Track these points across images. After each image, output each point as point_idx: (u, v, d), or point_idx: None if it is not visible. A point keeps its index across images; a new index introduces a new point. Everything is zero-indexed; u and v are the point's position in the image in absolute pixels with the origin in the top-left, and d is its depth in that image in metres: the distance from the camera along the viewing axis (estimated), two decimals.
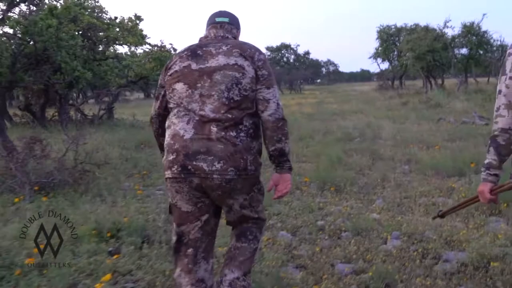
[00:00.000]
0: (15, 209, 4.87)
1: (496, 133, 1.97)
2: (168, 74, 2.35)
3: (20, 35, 10.50)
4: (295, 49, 73.77)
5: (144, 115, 18.32)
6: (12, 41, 10.90)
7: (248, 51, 2.30)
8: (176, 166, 2.21)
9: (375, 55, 40.35)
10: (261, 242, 2.56)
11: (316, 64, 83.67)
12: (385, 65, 43.75)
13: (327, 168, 6.69)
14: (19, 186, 5.34)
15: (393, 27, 38.61)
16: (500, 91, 1.98)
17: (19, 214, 4.67)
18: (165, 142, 2.31)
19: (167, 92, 2.37)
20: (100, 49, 13.35)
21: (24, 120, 14.81)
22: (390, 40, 38.33)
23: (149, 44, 16.05)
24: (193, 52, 2.33)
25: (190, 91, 2.26)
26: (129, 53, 16.50)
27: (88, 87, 16.16)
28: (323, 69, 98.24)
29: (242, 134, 2.23)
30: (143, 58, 14.91)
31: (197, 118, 2.23)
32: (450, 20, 28.22)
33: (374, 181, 6.10)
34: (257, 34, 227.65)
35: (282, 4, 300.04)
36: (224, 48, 2.30)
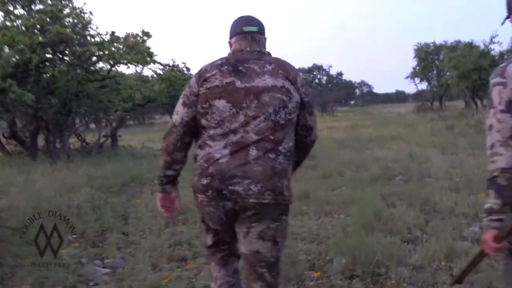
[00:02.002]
0: None
1: (495, 174, 1.79)
2: (206, 87, 2.18)
3: None
4: (327, 70, 72.54)
5: (150, 139, 16.87)
6: None
7: (291, 74, 2.24)
8: (211, 191, 2.13)
9: (412, 75, 37.92)
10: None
11: (350, 85, 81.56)
12: (423, 85, 41.11)
13: (358, 231, 4.59)
14: None
15: (431, 44, 36.24)
16: (491, 127, 1.83)
17: None
18: (197, 162, 2.21)
19: (201, 107, 2.19)
20: (93, 68, 11.52)
21: (19, 148, 13.19)
22: (428, 58, 35.88)
23: (160, 63, 14.34)
24: (234, 67, 2.20)
25: (234, 110, 2.14)
26: (132, 72, 14.80)
27: (87, 113, 14.34)
28: (357, 91, 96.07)
29: (281, 156, 2.16)
30: (154, 81, 13.09)
31: (234, 141, 2.13)
32: (497, 35, 25.70)
33: (434, 255, 3.92)
34: (288, 54, 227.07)
35: (313, 23, 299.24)
36: (269, 67, 2.21)
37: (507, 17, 1.98)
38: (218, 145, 2.15)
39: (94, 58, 11.27)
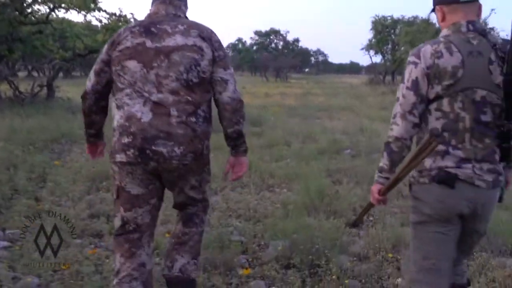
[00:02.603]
0: None
1: (390, 139, 2.02)
2: (118, 49, 2.20)
3: None
4: (284, 35, 71.53)
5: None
6: None
7: (205, 32, 2.25)
8: (132, 150, 2.13)
9: (368, 47, 37.96)
10: (206, 223, 2.64)
11: (305, 53, 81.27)
12: (377, 58, 41.26)
13: (299, 211, 4.18)
14: None
15: (389, 18, 36.23)
16: (398, 99, 2.02)
17: None
18: (117, 123, 2.18)
19: (114, 69, 2.21)
20: (29, 11, 10.38)
21: None
22: (385, 31, 35.86)
23: (105, 11, 13.29)
24: (146, 28, 2.20)
25: (145, 70, 2.15)
26: (81, 21, 13.67)
27: (20, 59, 13.09)
28: (312, 59, 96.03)
29: (200, 119, 2.20)
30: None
31: (154, 100, 2.14)
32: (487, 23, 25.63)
33: (380, 244, 3.55)
34: (245, 17, 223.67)
35: None
36: (181, 27, 2.22)
37: (432, 10, 2.13)
38: (137, 103, 2.16)
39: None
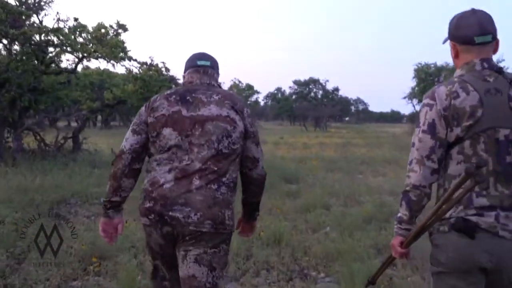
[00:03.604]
0: None
1: (407, 188, 1.94)
2: (154, 116, 2.25)
3: None
4: (323, 84, 71.05)
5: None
6: None
7: (238, 105, 2.28)
8: (153, 215, 2.17)
9: (411, 95, 36.57)
10: None
11: (345, 102, 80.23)
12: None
13: None
14: None
15: (432, 65, 34.93)
16: (413, 144, 1.96)
17: None
18: (143, 187, 2.24)
19: (150, 136, 2.26)
20: (48, 59, 9.85)
21: None
22: (428, 79, 34.52)
23: (135, 60, 12.80)
24: (182, 97, 2.27)
25: (179, 138, 2.20)
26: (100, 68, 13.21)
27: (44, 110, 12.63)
28: (352, 107, 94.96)
29: (223, 187, 2.19)
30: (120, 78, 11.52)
31: (180, 168, 2.17)
32: (504, 60, 24.40)
33: None
34: (284, 66, 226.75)
35: (312, 36, 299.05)
36: (215, 97, 2.26)
37: (448, 38, 2.03)
38: (163, 170, 2.20)
39: (51, 49, 9.61)
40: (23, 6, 9.03)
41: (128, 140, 2.28)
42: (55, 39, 9.38)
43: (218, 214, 2.15)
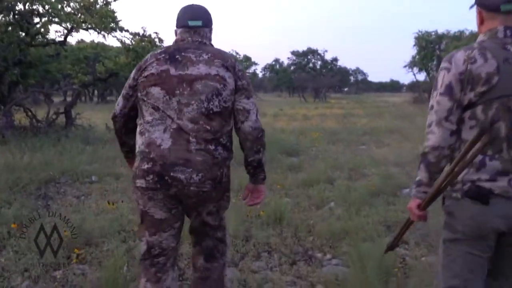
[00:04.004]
0: None
1: (426, 150, 1.94)
2: (143, 75, 2.25)
3: None
4: (322, 54, 70.16)
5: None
6: None
7: (229, 61, 2.26)
8: (152, 176, 2.17)
9: (411, 64, 35.97)
10: (229, 253, 2.63)
11: (344, 72, 79.28)
12: (421, 76, 39.15)
13: None
14: None
15: (433, 33, 34.23)
16: (432, 107, 1.95)
17: None
18: (138, 149, 2.25)
19: (139, 94, 2.27)
20: (34, 29, 9.31)
21: None
22: (429, 47, 33.90)
23: (127, 31, 12.28)
24: (171, 55, 2.25)
25: (167, 97, 2.19)
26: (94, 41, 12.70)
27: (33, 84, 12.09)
28: (351, 78, 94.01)
29: (219, 147, 2.22)
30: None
31: (174, 127, 2.18)
32: None
33: None
34: (281, 37, 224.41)
35: (310, 5, 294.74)
36: (205, 56, 2.25)
37: (474, 4, 2.02)
38: (157, 130, 2.19)
39: (37, 19, 9.08)
40: None
41: (119, 104, 2.39)
42: (40, 9, 8.86)
43: (217, 174, 2.20)
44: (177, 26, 2.37)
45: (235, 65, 2.28)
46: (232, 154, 2.31)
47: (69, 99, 15.39)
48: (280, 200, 5.16)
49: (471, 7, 2.05)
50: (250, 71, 60.28)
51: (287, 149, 9.24)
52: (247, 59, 58.54)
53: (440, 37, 33.54)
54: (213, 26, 2.42)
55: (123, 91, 2.37)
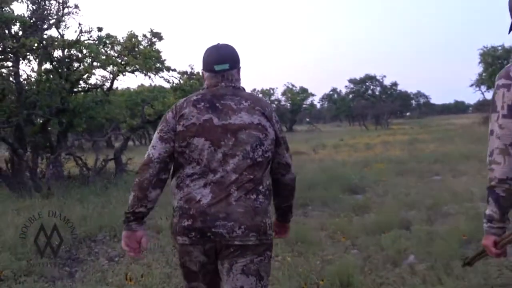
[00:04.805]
0: None
1: (493, 183, 1.76)
2: (183, 124, 2.13)
3: None
4: (381, 80, 68.30)
5: None
6: None
7: (267, 110, 2.20)
8: (194, 233, 2.07)
9: (478, 82, 33.87)
10: None
11: (405, 96, 76.70)
12: (489, 95, 36.75)
13: None
14: None
15: (500, 48, 32.17)
16: (492, 132, 1.78)
17: None
18: (177, 204, 2.14)
19: (179, 145, 2.13)
20: (75, 76, 8.95)
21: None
22: (497, 63, 31.80)
23: (175, 70, 11.86)
24: (211, 104, 2.15)
25: (212, 148, 2.10)
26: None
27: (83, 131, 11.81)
28: (413, 102, 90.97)
29: (260, 196, 2.13)
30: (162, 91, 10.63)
31: (215, 180, 2.08)
32: None
33: None
34: (338, 66, 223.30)
35: (365, 31, 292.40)
36: (245, 104, 2.18)
37: None
38: (197, 185, 2.10)
39: (77, 64, 8.70)
40: (33, 18, 8.17)
41: (156, 148, 2.16)
42: (79, 54, 8.49)
43: (261, 224, 2.10)
44: (203, 70, 2.27)
45: (272, 114, 2.21)
46: (270, 205, 2.20)
47: (117, 144, 15.22)
48: (346, 257, 4.18)
49: (510, 29, 1.86)
50: (308, 102, 59.52)
51: (350, 186, 8.23)
52: (303, 90, 57.82)
53: (508, 51, 31.44)
54: (241, 65, 2.30)
55: (161, 134, 2.15)
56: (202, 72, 2.30)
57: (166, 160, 2.14)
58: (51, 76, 8.40)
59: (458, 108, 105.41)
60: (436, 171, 10.38)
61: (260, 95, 57.39)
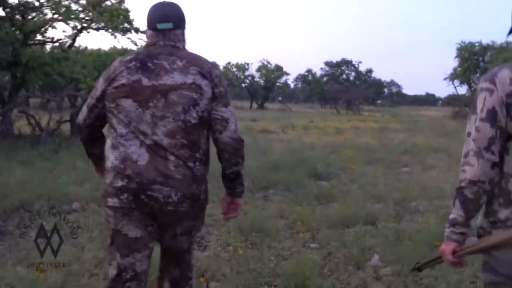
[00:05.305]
0: None
1: (463, 184, 1.68)
2: (113, 86, 2.08)
3: None
4: (356, 66, 68.31)
5: None
6: None
7: (205, 68, 2.11)
8: (126, 194, 2.02)
9: (452, 76, 33.97)
10: (194, 280, 2.50)
11: (378, 84, 77.18)
12: (462, 89, 37.01)
13: None
14: None
15: (477, 44, 32.24)
16: (469, 134, 1.71)
17: None
18: (111, 164, 2.06)
19: (108, 106, 2.10)
20: (29, 26, 8.16)
21: None
22: (472, 59, 31.91)
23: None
24: (142, 63, 2.08)
25: (140, 110, 2.05)
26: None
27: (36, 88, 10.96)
28: (385, 90, 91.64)
29: (197, 163, 2.09)
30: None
31: (149, 142, 2.03)
32: None
33: None
34: (315, 47, 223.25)
35: (345, 15, 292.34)
36: (179, 63, 2.09)
37: None
38: (133, 145, 2.04)
39: (33, 14, 7.92)
40: None
41: (83, 113, 2.20)
42: (35, 1, 7.72)
43: (196, 192, 2.08)
44: (147, 28, 2.19)
45: (211, 71, 2.12)
46: (208, 169, 2.18)
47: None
48: (305, 252, 3.74)
49: (509, 33, 1.74)
50: (282, 81, 59.04)
51: (316, 171, 7.82)
52: (278, 68, 57.29)
53: (485, 48, 31.56)
54: (186, 25, 2.21)
55: (88, 100, 2.18)
56: (146, 31, 2.24)
57: (94, 124, 2.18)
58: (4, 24, 7.61)
59: (429, 100, 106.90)
60: (405, 162, 10.06)
61: (234, 69, 56.77)
